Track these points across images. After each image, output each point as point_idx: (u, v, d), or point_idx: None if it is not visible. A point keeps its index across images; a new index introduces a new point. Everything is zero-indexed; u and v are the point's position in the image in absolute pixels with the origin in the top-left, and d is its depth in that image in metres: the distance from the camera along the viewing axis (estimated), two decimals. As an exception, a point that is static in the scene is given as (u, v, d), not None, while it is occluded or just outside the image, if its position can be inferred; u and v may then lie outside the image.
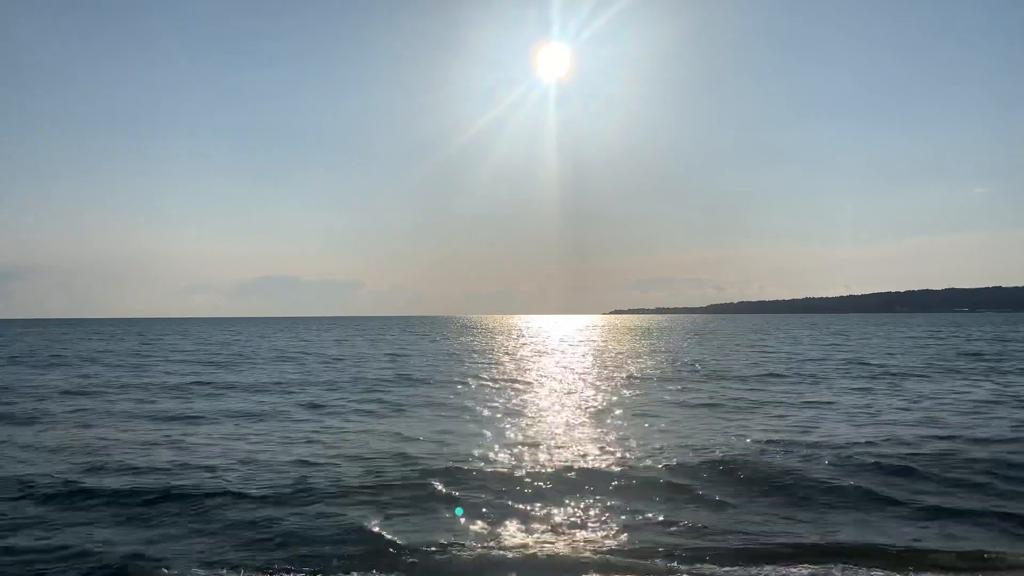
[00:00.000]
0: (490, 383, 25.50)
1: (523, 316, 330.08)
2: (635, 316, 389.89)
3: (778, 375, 27.87)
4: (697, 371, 29.93)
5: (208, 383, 25.89)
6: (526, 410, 18.71)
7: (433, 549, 7.68)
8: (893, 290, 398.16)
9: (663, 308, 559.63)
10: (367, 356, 41.68)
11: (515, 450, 12.96)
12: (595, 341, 64.70)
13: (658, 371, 30.38)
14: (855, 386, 23.44)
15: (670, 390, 23.07)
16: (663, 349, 48.06)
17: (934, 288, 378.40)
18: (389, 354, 43.50)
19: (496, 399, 20.64)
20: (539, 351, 48.31)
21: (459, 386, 24.58)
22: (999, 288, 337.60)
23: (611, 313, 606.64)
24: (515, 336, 73.64)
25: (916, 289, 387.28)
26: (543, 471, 11.27)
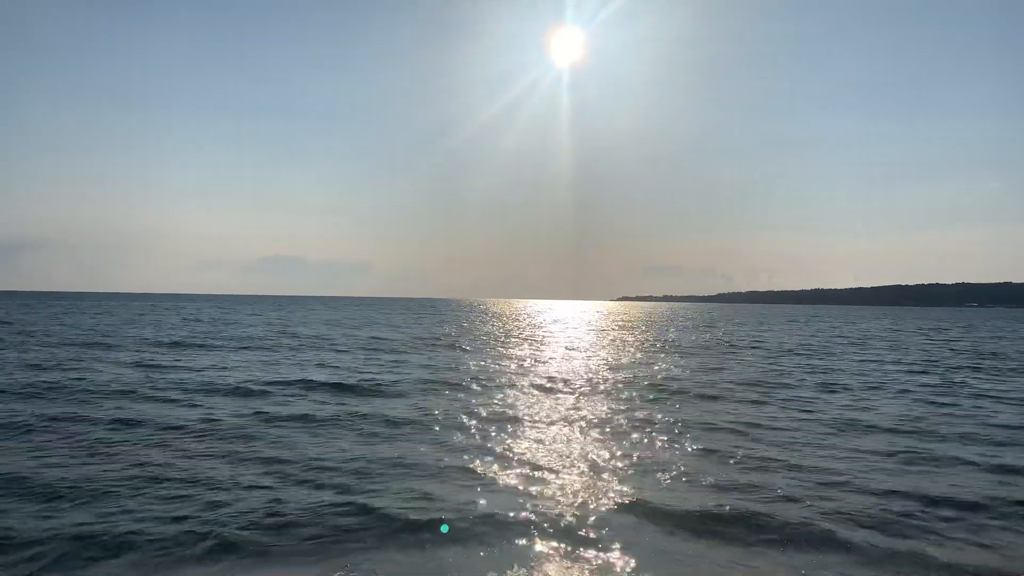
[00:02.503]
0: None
1: (530, 301, 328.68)
2: (642, 303, 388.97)
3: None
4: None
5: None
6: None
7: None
8: (903, 283, 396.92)
9: (671, 296, 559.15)
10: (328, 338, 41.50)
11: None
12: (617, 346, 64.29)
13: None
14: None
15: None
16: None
17: (945, 282, 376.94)
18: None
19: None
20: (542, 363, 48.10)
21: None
22: (1009, 284, 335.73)
23: (619, 300, 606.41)
24: (514, 324, 69.94)
25: (926, 283, 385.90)
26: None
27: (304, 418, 13.52)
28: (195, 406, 14.67)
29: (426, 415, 14.04)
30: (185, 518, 7.50)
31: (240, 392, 16.79)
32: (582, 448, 11.27)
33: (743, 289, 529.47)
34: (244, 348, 29.70)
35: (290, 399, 16.00)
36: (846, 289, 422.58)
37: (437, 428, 12.82)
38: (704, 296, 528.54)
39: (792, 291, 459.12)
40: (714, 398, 17.18)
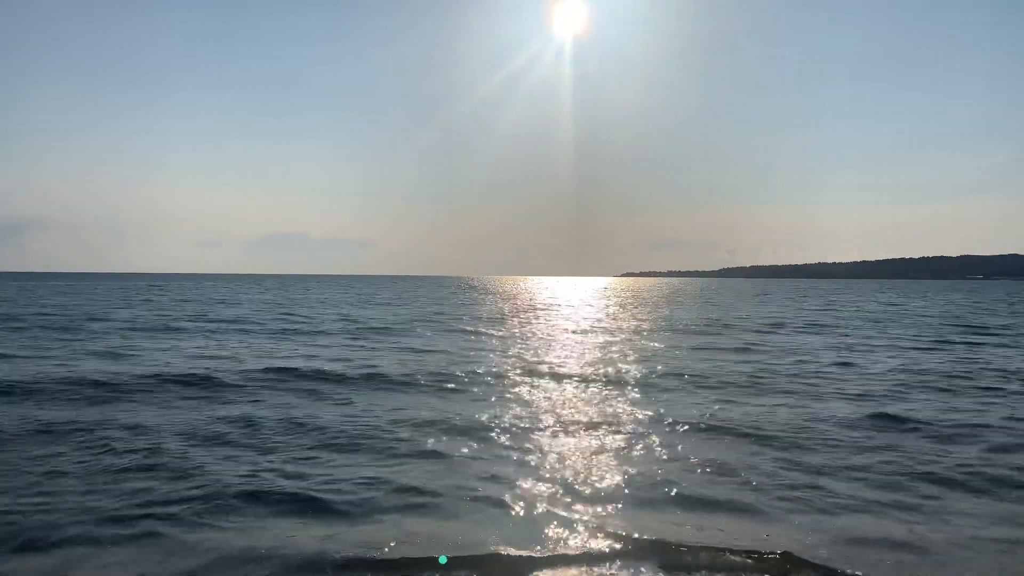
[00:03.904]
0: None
1: (534, 278, 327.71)
2: (647, 279, 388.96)
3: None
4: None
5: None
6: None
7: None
8: (907, 256, 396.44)
9: (675, 271, 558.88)
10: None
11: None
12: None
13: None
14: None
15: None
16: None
17: (949, 255, 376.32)
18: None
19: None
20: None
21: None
22: (1016, 256, 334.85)
23: (623, 276, 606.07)
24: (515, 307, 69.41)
25: (930, 256, 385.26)
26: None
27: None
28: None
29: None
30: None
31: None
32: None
33: (747, 263, 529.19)
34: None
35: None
36: (850, 262, 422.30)
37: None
38: (708, 271, 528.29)
39: (796, 265, 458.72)
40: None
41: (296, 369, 16.67)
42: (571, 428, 10.88)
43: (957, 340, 26.57)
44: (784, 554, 6.24)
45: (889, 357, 20.74)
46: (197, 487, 7.77)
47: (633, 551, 6.32)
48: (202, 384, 14.55)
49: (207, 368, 16.58)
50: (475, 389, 14.48)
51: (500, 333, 28.66)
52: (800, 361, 19.54)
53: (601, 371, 17.08)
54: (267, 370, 16.40)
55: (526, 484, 8.06)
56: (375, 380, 15.56)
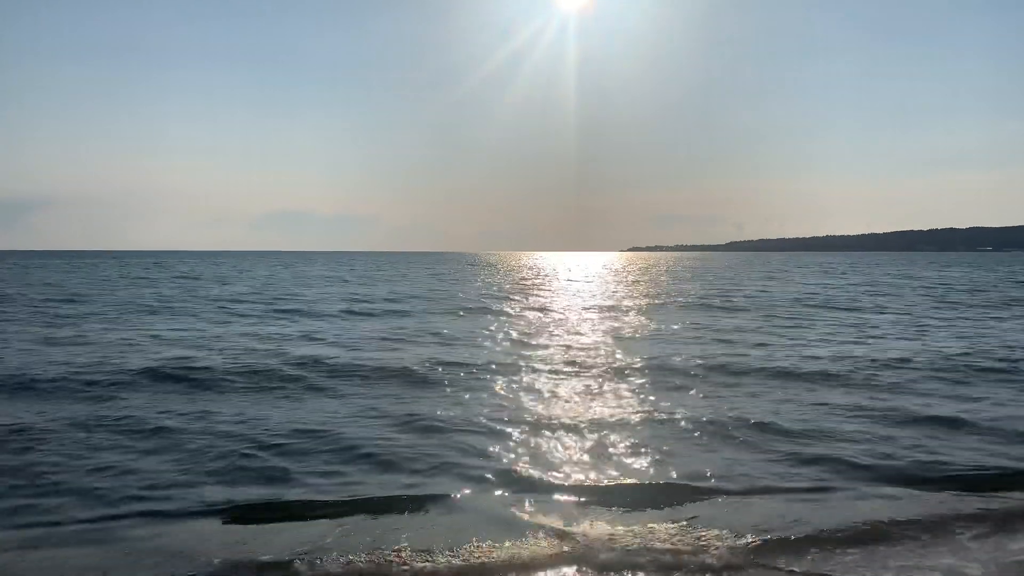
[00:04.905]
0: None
1: (539, 253, 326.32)
2: (653, 254, 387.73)
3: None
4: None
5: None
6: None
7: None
8: (916, 228, 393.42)
9: (682, 245, 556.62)
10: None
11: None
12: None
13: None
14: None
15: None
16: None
17: (958, 227, 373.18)
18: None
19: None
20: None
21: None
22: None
23: (629, 250, 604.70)
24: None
25: (940, 228, 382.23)
26: None
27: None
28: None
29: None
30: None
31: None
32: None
33: (753, 237, 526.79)
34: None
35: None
36: (858, 235, 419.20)
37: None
38: (715, 245, 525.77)
39: (803, 238, 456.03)
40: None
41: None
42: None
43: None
44: None
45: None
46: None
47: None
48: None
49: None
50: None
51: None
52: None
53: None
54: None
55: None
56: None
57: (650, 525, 6.26)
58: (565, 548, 5.79)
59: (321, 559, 5.57)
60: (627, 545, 5.80)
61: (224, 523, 6.43)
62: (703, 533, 6.05)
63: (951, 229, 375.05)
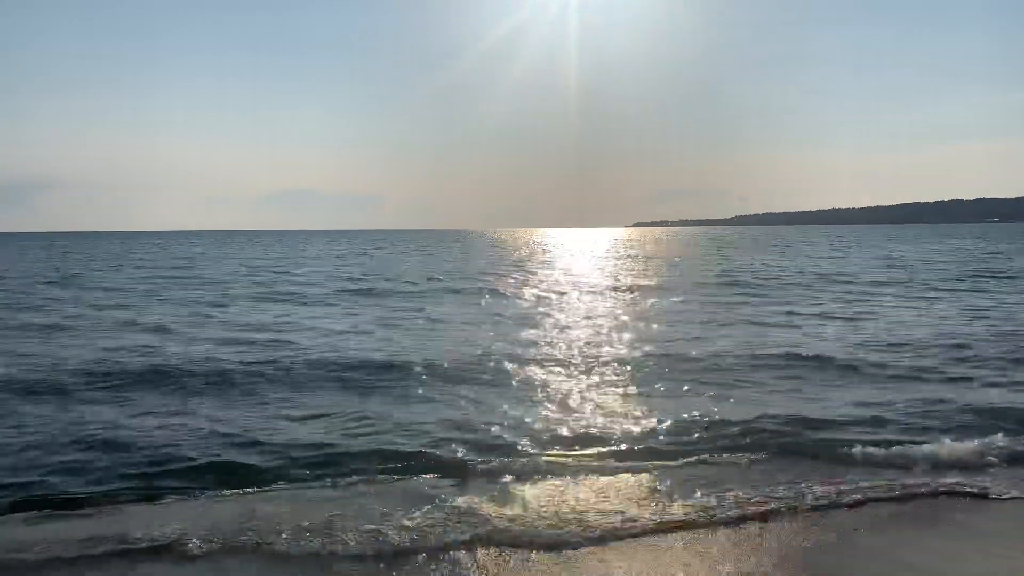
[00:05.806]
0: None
1: (543, 230, 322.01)
2: (658, 229, 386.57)
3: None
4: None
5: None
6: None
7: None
8: (923, 200, 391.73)
9: (687, 220, 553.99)
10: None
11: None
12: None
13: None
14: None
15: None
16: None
17: (964, 198, 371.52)
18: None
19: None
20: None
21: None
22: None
23: (634, 226, 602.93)
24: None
25: (946, 199, 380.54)
26: None
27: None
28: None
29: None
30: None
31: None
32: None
33: (759, 211, 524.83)
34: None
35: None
36: (863, 208, 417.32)
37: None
38: (720, 219, 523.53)
39: (809, 211, 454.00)
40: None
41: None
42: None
43: None
44: None
45: None
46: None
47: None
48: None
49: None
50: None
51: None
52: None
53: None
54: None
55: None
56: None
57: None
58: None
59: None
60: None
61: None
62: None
63: (958, 201, 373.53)
